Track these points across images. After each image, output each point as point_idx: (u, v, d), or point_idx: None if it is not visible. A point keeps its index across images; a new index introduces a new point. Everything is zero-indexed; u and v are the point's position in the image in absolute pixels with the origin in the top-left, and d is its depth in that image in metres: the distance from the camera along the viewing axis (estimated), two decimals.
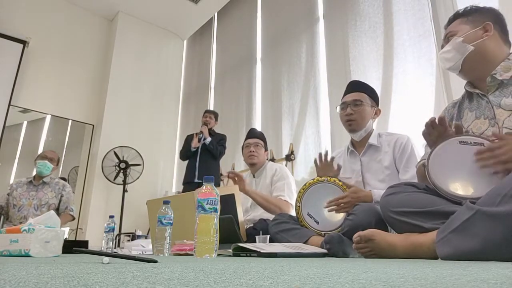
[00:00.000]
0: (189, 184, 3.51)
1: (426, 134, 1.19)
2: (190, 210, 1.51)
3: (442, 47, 1.31)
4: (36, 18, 4.63)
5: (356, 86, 1.79)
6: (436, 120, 1.15)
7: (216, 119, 3.73)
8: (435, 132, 1.16)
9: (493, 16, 1.23)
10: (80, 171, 4.74)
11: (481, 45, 1.18)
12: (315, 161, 1.76)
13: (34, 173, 2.94)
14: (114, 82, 4.90)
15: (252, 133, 2.48)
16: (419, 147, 1.72)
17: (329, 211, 1.52)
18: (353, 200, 1.48)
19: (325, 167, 1.70)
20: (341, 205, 1.49)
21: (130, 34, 5.21)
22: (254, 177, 2.38)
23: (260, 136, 2.46)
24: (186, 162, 3.68)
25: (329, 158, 1.72)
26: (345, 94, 1.79)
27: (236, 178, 2.10)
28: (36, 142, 4.62)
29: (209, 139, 3.51)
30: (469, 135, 1.11)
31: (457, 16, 1.29)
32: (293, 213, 1.93)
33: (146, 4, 5.02)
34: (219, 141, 3.58)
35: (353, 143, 1.78)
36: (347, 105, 1.72)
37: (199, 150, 3.55)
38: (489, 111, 1.13)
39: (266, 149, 2.43)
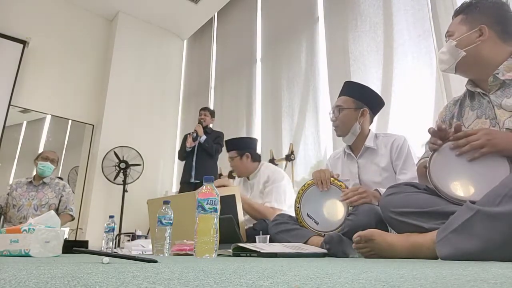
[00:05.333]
0: (186, 184, 3.46)
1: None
2: (190, 210, 1.51)
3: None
4: (36, 18, 4.62)
5: (344, 89, 1.81)
6: (436, 128, 1.12)
7: (212, 116, 3.68)
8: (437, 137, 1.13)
9: (493, 15, 1.18)
10: (80, 171, 4.73)
11: (474, 50, 1.16)
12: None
13: (34, 173, 2.92)
14: (114, 82, 4.89)
15: (226, 146, 2.43)
16: (417, 147, 1.71)
17: (343, 199, 1.48)
18: (367, 192, 1.48)
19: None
20: (359, 195, 1.46)
21: (130, 34, 5.21)
22: (248, 179, 2.36)
23: (233, 145, 2.37)
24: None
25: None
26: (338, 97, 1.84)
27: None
28: (36, 142, 4.62)
29: (204, 137, 3.45)
30: None
31: (459, 11, 1.25)
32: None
33: (146, 4, 5.02)
34: (215, 138, 3.52)
35: (349, 145, 1.78)
36: (333, 110, 1.77)
37: (195, 149, 3.49)
38: (490, 111, 1.12)
39: (244, 153, 2.30)
